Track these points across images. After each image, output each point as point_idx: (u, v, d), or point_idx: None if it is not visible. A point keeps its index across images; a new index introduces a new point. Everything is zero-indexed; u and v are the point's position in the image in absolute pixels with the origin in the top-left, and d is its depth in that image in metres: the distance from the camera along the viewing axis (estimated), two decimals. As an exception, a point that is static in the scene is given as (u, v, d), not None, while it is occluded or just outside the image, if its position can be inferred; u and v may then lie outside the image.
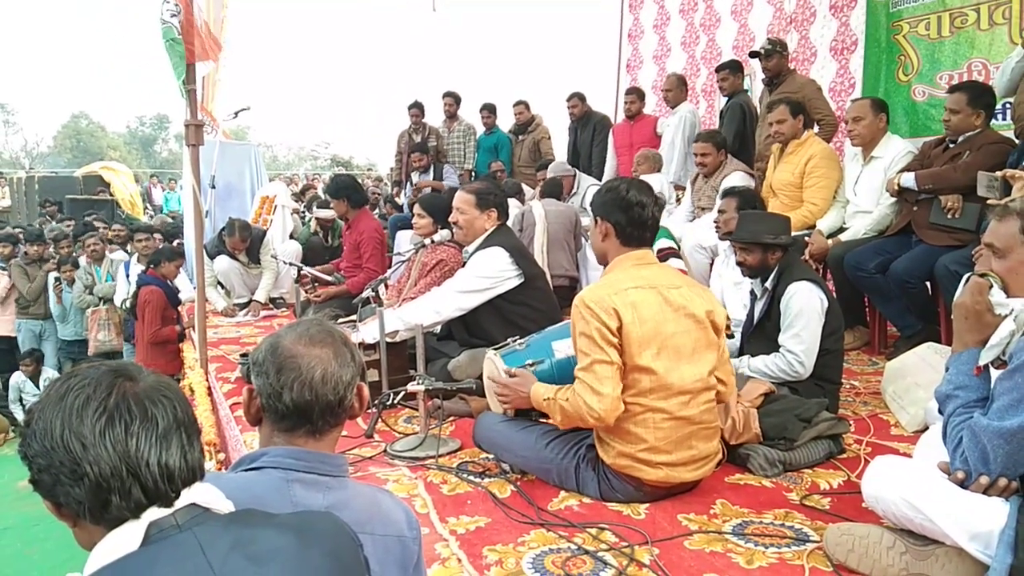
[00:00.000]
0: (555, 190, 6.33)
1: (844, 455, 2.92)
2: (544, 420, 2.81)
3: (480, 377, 3.09)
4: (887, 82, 5.58)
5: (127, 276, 7.29)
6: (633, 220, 2.55)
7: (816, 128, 5.26)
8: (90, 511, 1.03)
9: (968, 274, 2.07)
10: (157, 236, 8.15)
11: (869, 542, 2.03)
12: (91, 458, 1.02)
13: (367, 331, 3.65)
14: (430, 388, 3.09)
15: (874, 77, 5.77)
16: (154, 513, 1.05)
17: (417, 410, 3.20)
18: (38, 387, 7.74)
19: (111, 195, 14.93)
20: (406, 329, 3.63)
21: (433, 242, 4.33)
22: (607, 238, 2.60)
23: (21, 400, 7.79)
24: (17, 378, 7.81)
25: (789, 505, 2.52)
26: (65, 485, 1.03)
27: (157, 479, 1.04)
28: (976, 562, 1.83)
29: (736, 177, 5.23)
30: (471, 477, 2.80)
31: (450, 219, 3.90)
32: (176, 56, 4.37)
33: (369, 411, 3.27)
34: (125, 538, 1.03)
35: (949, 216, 3.90)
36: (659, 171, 6.42)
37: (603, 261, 2.69)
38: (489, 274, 3.66)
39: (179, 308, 6.24)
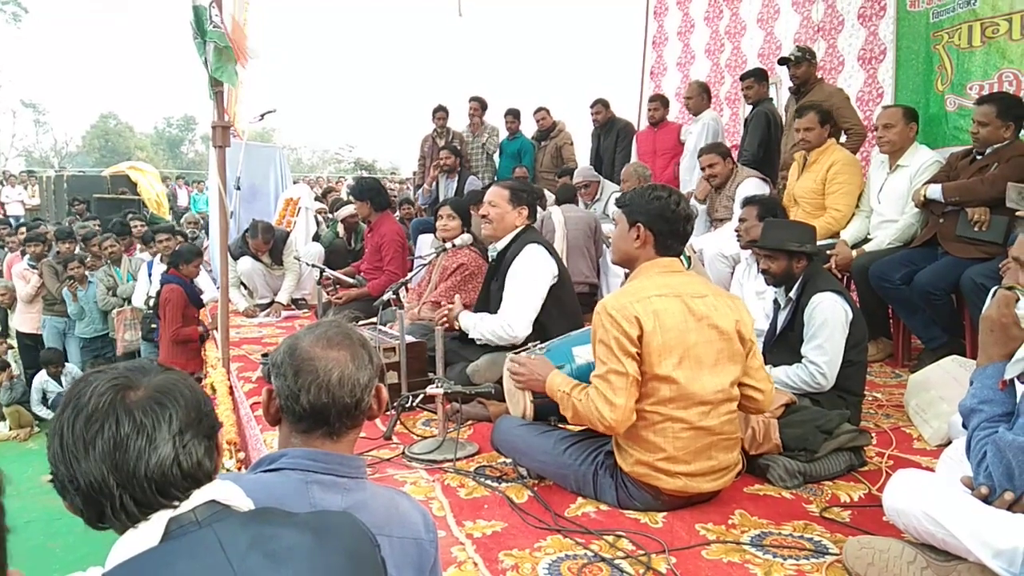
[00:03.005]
0: (570, 195, 6.32)
1: (865, 468, 2.90)
2: (563, 426, 2.81)
3: (499, 381, 3.09)
4: (926, 93, 5.52)
5: (149, 275, 7.36)
6: (676, 232, 2.56)
7: (844, 138, 5.22)
8: (88, 520, 1.06)
9: (996, 287, 2.04)
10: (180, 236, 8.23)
11: (889, 556, 2.00)
12: (83, 470, 1.04)
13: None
14: (449, 391, 3.10)
15: (907, 87, 5.70)
16: (167, 514, 1.06)
17: (436, 413, 3.21)
18: (61, 385, 7.84)
19: (137, 195, 15.10)
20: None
21: (454, 246, 4.34)
22: (644, 245, 2.57)
23: (45, 399, 7.90)
24: (40, 379, 7.91)
25: (809, 517, 2.49)
26: (70, 492, 1.06)
27: (145, 488, 1.05)
28: (999, 579, 1.80)
29: (751, 184, 5.21)
30: (488, 481, 2.80)
31: (480, 212, 3.83)
32: (227, 60, 4.26)
33: (388, 413, 3.30)
34: (145, 534, 1.05)
35: (976, 229, 3.85)
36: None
37: (625, 264, 2.67)
38: (538, 275, 3.60)
39: (203, 308, 6.30)
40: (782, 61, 5.69)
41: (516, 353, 2.97)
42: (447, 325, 3.69)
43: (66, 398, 1.09)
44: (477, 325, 3.64)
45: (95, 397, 1.07)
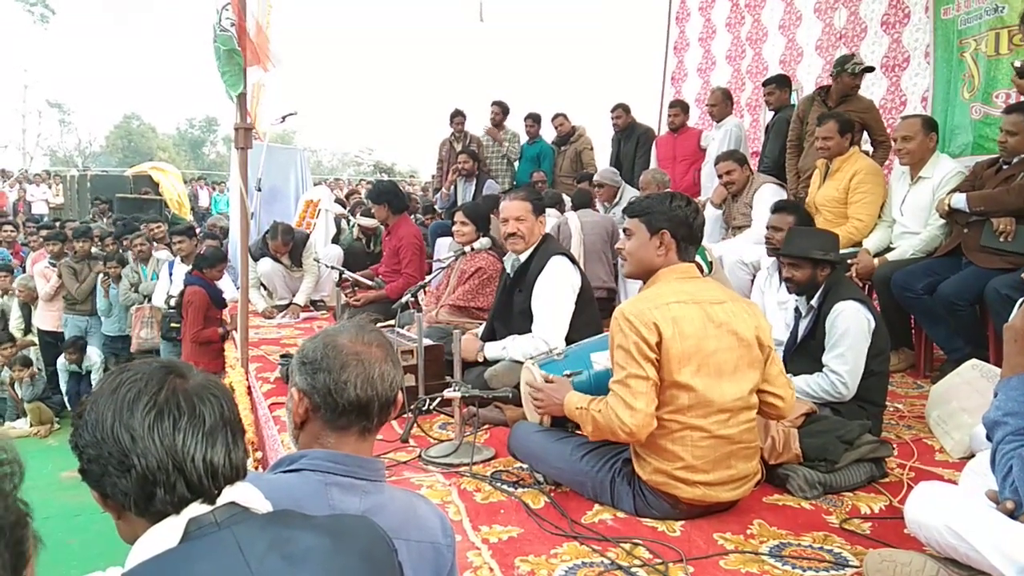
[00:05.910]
0: (586, 200, 6.32)
1: (886, 479, 2.86)
2: (580, 432, 2.79)
3: (517, 386, 3.09)
4: (952, 101, 5.47)
5: (170, 275, 7.42)
6: (696, 239, 2.58)
7: (874, 150, 5.20)
8: (135, 503, 1.05)
9: (1022, 298, 2.01)
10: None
11: (911, 570, 1.97)
12: (139, 450, 1.04)
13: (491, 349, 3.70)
14: (466, 395, 3.09)
15: (938, 96, 5.65)
16: (195, 509, 1.07)
17: (452, 417, 3.21)
18: (81, 372, 7.95)
19: (159, 195, 15.25)
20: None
21: (473, 249, 4.34)
22: (667, 252, 2.54)
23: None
24: (62, 363, 8.02)
25: (828, 528, 2.47)
26: (113, 476, 1.05)
27: (201, 475, 1.06)
28: (1024, 596, 1.77)
29: (768, 190, 5.17)
30: (505, 486, 2.79)
31: (507, 230, 3.74)
32: (235, 66, 4.29)
33: (405, 416, 3.30)
34: (165, 534, 1.05)
35: (1001, 239, 3.81)
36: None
37: (642, 275, 2.62)
38: (566, 287, 3.60)
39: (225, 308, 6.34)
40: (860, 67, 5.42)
41: (533, 360, 2.97)
42: (470, 360, 3.70)
43: (115, 381, 1.10)
44: (508, 348, 3.62)
45: (152, 381, 1.09)
